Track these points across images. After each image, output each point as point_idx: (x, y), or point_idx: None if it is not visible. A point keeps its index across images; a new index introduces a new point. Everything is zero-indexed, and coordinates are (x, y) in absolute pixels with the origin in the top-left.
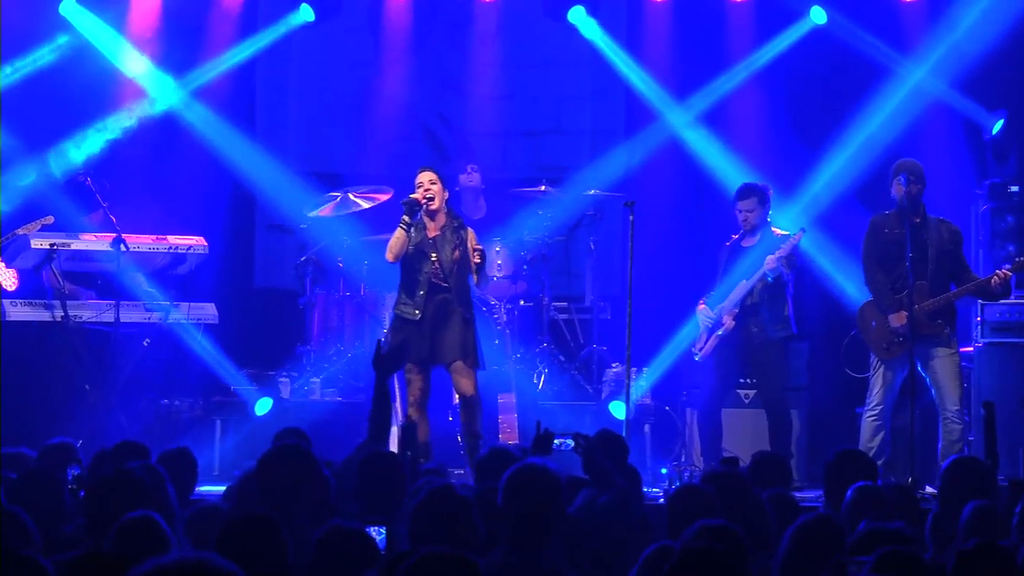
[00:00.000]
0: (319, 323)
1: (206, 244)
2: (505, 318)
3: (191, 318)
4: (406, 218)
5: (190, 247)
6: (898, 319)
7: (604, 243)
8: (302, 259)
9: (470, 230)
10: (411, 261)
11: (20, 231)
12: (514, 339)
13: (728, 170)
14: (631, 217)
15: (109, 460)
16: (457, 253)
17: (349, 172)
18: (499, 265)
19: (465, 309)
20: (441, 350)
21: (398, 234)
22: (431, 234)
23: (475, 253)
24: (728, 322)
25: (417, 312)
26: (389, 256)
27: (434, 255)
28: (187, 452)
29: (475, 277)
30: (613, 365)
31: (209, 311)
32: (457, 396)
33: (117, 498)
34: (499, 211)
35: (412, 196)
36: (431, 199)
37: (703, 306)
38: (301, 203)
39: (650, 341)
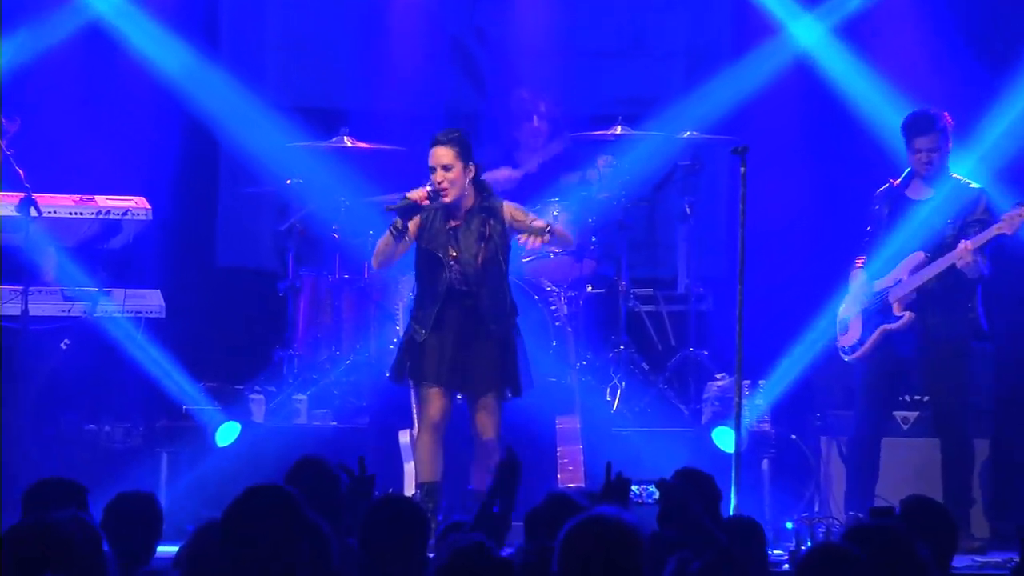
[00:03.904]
0: (306, 317)
1: (149, 207)
2: (566, 310)
3: (128, 310)
4: (399, 223)
5: (127, 211)
6: None
7: (704, 205)
8: (283, 228)
9: (507, 205)
10: (423, 263)
11: None
12: (579, 339)
13: (877, 103)
14: (743, 169)
15: (35, 506)
16: (486, 249)
17: (349, 106)
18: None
19: (499, 323)
20: (465, 377)
21: (386, 239)
22: (451, 224)
23: (536, 237)
24: (905, 315)
25: (423, 332)
26: (373, 263)
27: (453, 253)
28: (151, 500)
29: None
30: (718, 376)
31: (153, 301)
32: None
33: (36, 560)
34: (558, 162)
35: (408, 196)
36: (442, 192)
37: (860, 276)
38: (281, 150)
39: (770, 342)
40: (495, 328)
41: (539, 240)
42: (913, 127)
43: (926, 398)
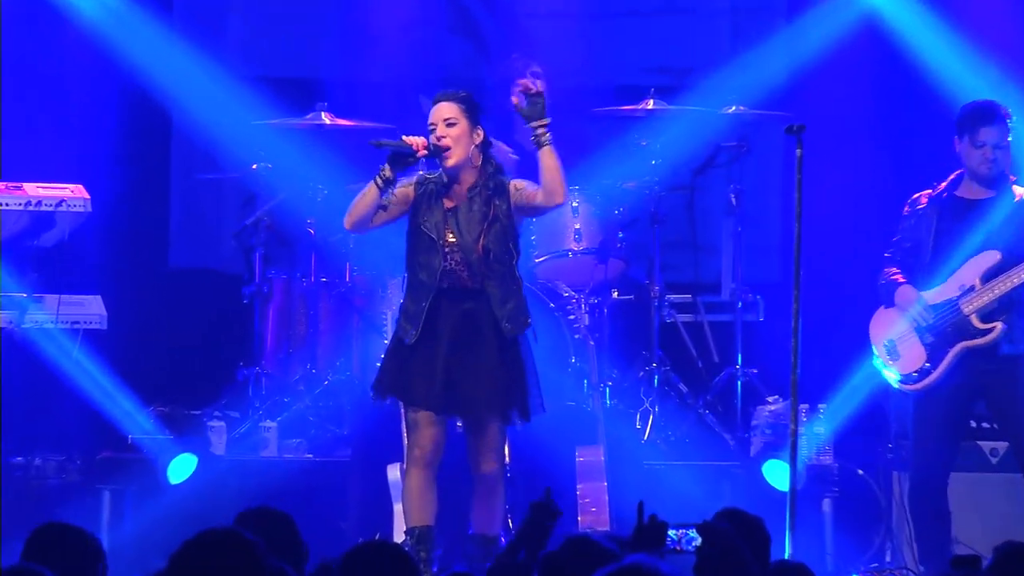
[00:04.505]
0: (276, 329)
1: (87, 197)
2: (587, 320)
3: (62, 320)
4: (387, 170)
5: (61, 201)
6: None
7: (754, 195)
8: (248, 222)
9: (514, 183)
10: (415, 248)
11: None
12: (602, 355)
13: (961, 72)
14: (799, 151)
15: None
16: (490, 234)
17: (326, 76)
18: (576, 232)
19: (508, 323)
20: (463, 395)
21: (368, 191)
22: (449, 204)
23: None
24: (994, 328)
25: (414, 332)
26: (346, 221)
27: (452, 237)
28: (89, 537)
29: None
30: (769, 400)
31: (92, 309)
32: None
33: None
34: (576, 143)
35: (405, 139)
36: (444, 149)
37: (912, 291)
38: (246, 128)
39: (832, 359)
40: (498, 330)
41: (531, 86)
42: (976, 116)
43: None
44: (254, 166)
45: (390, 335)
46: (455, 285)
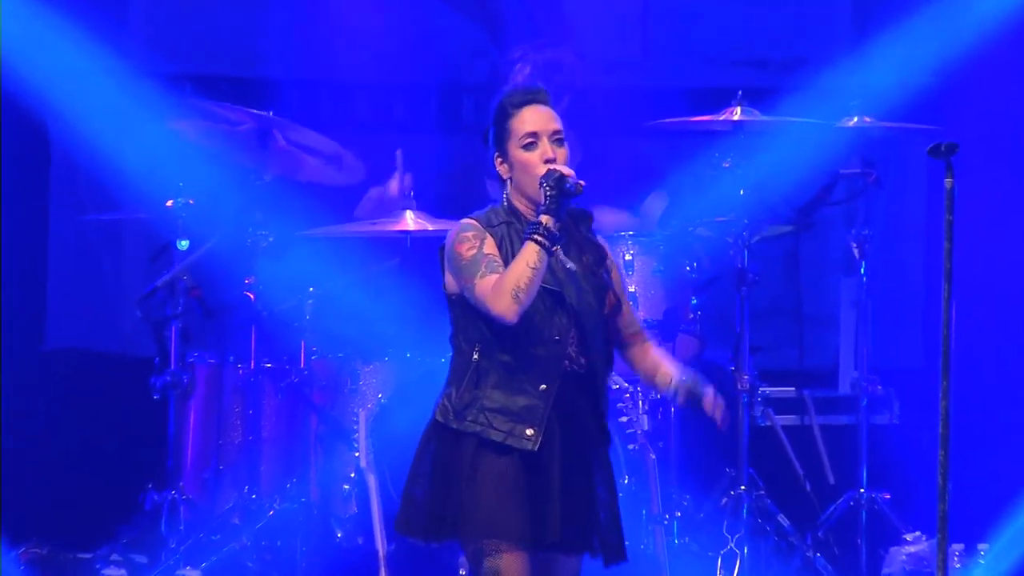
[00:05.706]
0: (199, 436)
1: None
2: (647, 424)
3: None
4: (548, 221)
5: None
6: None
7: (885, 244)
8: (160, 283)
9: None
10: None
11: None
12: (668, 474)
13: None
14: (949, 182)
15: None
16: (599, 301)
17: (276, 75)
18: (633, 297)
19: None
20: (570, 522)
21: (532, 258)
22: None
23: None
24: None
25: (536, 435)
26: (513, 310)
27: (569, 298)
28: None
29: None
30: (907, 537)
31: None
32: None
33: None
34: (627, 169)
35: (560, 168)
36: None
37: None
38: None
39: (995, 482)
40: (606, 432)
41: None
42: None
43: None
44: (169, 203)
45: (364, 447)
46: (567, 365)
